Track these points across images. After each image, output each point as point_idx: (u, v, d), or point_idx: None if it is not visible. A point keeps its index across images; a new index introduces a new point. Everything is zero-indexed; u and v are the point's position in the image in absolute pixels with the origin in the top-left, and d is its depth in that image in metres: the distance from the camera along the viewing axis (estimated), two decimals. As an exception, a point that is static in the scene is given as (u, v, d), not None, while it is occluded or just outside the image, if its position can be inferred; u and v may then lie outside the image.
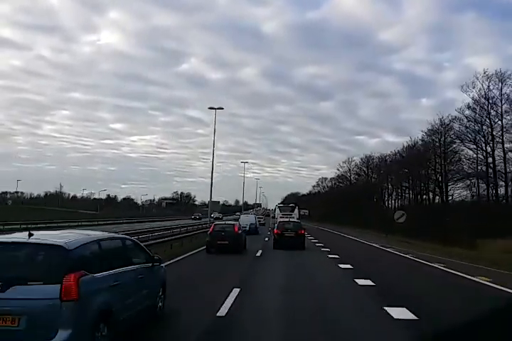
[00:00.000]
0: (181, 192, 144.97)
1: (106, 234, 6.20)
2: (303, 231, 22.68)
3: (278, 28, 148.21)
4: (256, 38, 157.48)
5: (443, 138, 46.79)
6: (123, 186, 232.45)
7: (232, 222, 22.50)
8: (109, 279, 5.23)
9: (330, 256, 18.42)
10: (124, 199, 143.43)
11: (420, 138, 51.72)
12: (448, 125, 45.26)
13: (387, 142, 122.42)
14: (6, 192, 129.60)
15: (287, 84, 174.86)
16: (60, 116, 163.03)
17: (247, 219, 37.84)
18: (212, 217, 62.01)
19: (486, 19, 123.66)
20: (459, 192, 46.05)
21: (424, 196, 54.68)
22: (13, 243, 5.01)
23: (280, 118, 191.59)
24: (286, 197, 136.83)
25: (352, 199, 70.57)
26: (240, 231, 20.68)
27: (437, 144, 47.39)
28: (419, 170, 50.70)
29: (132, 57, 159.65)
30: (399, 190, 65.92)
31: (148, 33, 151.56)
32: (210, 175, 38.91)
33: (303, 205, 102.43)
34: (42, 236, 5.18)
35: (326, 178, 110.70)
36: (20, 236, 5.13)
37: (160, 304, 7.09)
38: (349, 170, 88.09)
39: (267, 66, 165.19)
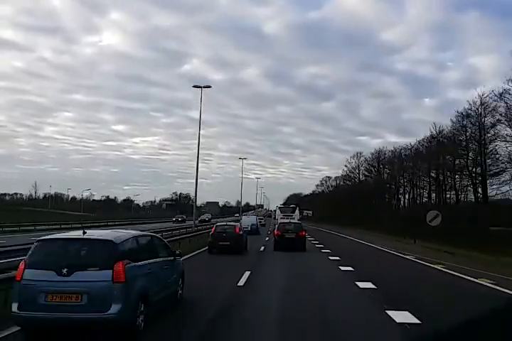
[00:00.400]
0: (180, 193, 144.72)
1: (140, 232, 7.62)
2: (304, 233, 22.44)
3: (279, 28, 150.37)
4: (257, 38, 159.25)
5: (482, 120, 37.90)
6: (125, 187, 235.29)
7: (234, 223, 23.50)
8: (145, 268, 6.62)
9: (343, 268, 14.41)
10: (124, 200, 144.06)
11: (449, 123, 43.92)
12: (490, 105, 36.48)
13: (389, 142, 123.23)
14: (4, 194, 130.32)
15: (289, 85, 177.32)
16: (62, 117, 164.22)
17: (248, 220, 39.88)
18: (200, 220, 57.32)
19: (488, 18, 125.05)
20: (496, 187, 37.21)
21: (449, 193, 47.22)
22: (74, 239, 6.42)
23: (282, 119, 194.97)
24: (288, 198, 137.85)
25: (361, 199, 66.20)
26: (242, 232, 21.49)
27: (473, 130, 39.00)
28: (446, 162, 43.99)
29: (134, 58, 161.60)
30: (417, 188, 58.54)
31: (149, 33, 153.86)
32: (196, 171, 34.55)
33: (306, 206, 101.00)
34: (94, 233, 6.60)
35: (329, 177, 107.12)
36: (77, 234, 6.53)
37: (180, 291, 8.46)
38: (358, 166, 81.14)
39: (268, 66, 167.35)
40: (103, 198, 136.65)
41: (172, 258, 8.17)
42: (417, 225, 31.26)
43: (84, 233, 6.44)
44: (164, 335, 6.40)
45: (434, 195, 52.28)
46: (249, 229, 34.41)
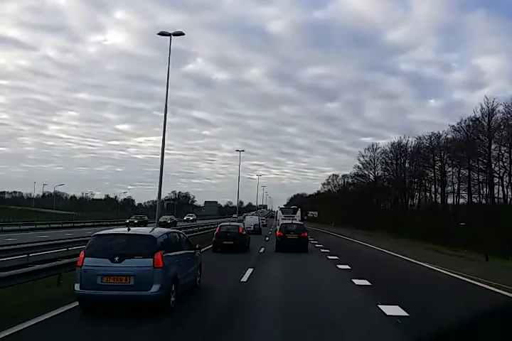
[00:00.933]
0: (179, 192, 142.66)
1: (170, 229, 9.49)
2: (306, 234, 22.41)
3: (284, 27, 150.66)
4: (262, 38, 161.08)
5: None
6: (130, 187, 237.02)
7: (237, 224, 25.07)
8: (175, 257, 8.44)
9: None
10: (124, 199, 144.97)
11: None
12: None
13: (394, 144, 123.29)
14: (3, 192, 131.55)
15: (293, 85, 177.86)
16: (66, 116, 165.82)
17: (251, 220, 42.73)
18: (162, 223, 43.89)
19: (495, 18, 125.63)
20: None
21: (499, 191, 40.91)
22: (122, 234, 8.26)
23: (286, 119, 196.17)
24: (291, 198, 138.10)
25: (378, 197, 59.04)
26: (245, 232, 22.94)
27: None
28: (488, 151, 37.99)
29: (138, 57, 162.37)
30: (449, 184, 51.01)
31: (153, 32, 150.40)
32: (162, 149, 37.55)
33: (310, 206, 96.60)
34: (136, 230, 8.46)
35: (336, 175, 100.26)
36: (123, 230, 8.37)
37: (198, 279, 10.29)
38: (373, 160, 69.93)
39: (273, 66, 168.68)
40: (103, 197, 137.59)
41: (193, 251, 9.98)
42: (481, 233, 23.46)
43: (128, 230, 8.26)
44: (190, 310, 8.19)
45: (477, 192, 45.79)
46: (252, 228, 37.22)
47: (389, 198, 66.67)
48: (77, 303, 8.01)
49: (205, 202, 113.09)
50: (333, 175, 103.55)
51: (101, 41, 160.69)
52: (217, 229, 22.91)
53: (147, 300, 7.54)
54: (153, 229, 8.95)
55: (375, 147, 70.62)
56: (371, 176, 71.93)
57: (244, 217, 52.69)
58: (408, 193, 60.72)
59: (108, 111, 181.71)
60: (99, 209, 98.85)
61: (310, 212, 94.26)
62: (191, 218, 71.91)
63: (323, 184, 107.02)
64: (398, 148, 63.69)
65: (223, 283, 11.21)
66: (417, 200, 62.50)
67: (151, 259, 7.65)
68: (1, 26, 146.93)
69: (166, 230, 9.21)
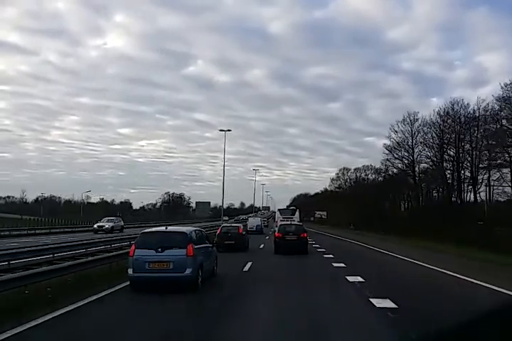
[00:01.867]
0: (172, 193, 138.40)
1: (196, 228, 12.46)
2: (305, 235, 22.58)
3: (285, 27, 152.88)
4: (263, 39, 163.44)
5: None
6: (132, 191, 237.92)
7: (237, 225, 27.96)
8: (201, 249, 11.38)
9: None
10: (121, 202, 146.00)
11: None
12: None
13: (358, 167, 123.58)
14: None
15: (295, 86, 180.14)
16: (68, 121, 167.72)
17: (254, 222, 47.89)
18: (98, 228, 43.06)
19: (497, 15, 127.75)
20: None
21: None
22: (163, 231, 11.19)
23: (288, 120, 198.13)
24: (294, 199, 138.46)
25: (412, 190, 48.11)
26: (244, 233, 25.56)
27: None
28: None
29: (138, 60, 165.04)
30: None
31: (154, 35, 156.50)
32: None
33: (316, 207, 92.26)
34: (172, 228, 11.41)
35: (348, 169, 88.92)
36: (162, 228, 11.30)
37: (215, 268, 13.20)
38: (412, 134, 50.18)
39: (274, 67, 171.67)
40: (98, 201, 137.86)
41: (211, 245, 12.89)
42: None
43: (166, 228, 11.21)
44: (211, 288, 11.19)
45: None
46: (254, 229, 43.21)
47: (436, 189, 50.04)
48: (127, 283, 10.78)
49: (197, 202, 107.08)
50: (344, 168, 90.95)
51: (101, 45, 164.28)
52: (219, 230, 25.48)
53: (182, 280, 10.45)
54: (185, 227, 11.90)
55: (412, 117, 50.67)
56: (405, 161, 53.07)
57: (240, 220, 55.44)
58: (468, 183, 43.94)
59: (110, 115, 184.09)
60: (75, 212, 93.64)
61: (317, 213, 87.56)
62: (107, 226, 45.11)
63: (332, 179, 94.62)
64: (439, 123, 45.97)
65: (231, 272, 14.30)
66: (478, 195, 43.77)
67: (185, 249, 10.53)
68: (0, 31, 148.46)
69: (193, 228, 12.15)
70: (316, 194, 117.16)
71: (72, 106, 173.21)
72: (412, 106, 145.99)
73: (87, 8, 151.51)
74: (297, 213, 46.79)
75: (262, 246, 26.41)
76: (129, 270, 10.68)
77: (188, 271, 10.56)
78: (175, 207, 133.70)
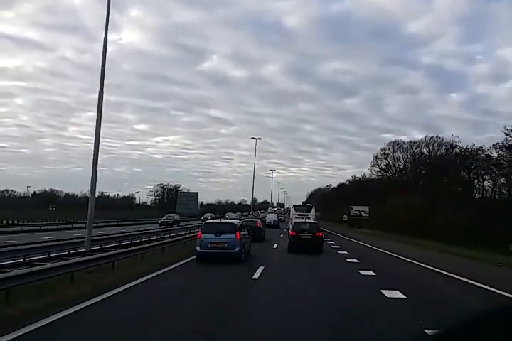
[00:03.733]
0: (165, 184, 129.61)
1: (239, 221, 18.30)
2: (320, 234, 22.86)
3: (301, 21, 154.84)
4: (278, 33, 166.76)
5: None
6: (148, 187, 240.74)
7: (255, 219, 34.83)
8: (243, 235, 17.14)
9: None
10: (123, 197, 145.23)
11: None
12: None
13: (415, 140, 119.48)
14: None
15: (311, 81, 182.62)
16: (84, 117, 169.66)
17: (271, 217, 56.10)
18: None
19: None
20: None
21: None
22: (219, 222, 17.03)
23: (303, 116, 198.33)
24: (311, 194, 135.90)
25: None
26: (261, 226, 31.70)
27: None
28: None
29: (154, 55, 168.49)
30: None
31: (169, 30, 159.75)
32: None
33: (352, 201, 66.65)
34: (225, 219, 17.27)
35: (399, 142, 67.65)
36: (217, 220, 17.13)
37: (250, 249, 19.01)
38: None
39: (289, 62, 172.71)
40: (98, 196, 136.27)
41: (248, 234, 18.53)
42: None
43: (220, 220, 16.99)
44: (250, 259, 17.07)
45: None
46: (272, 223, 51.18)
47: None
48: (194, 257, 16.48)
49: (179, 194, 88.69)
50: (395, 142, 68.51)
51: (117, 40, 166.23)
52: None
53: (233, 255, 16.35)
54: (234, 220, 17.64)
55: None
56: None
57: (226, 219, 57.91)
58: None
59: (125, 111, 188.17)
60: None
61: (355, 208, 60.65)
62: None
63: (377, 157, 72.02)
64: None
65: (261, 251, 20.16)
66: None
67: (234, 234, 16.16)
68: (18, 27, 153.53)
69: (238, 221, 17.80)
70: (341, 185, 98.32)
71: (88, 102, 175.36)
72: (431, 102, 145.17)
73: (102, 2, 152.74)
74: (313, 210, 45.89)
75: (281, 235, 32.30)
76: (196, 247, 16.51)
77: (237, 249, 16.37)
78: (169, 199, 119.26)
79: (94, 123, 17.08)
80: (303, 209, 45.88)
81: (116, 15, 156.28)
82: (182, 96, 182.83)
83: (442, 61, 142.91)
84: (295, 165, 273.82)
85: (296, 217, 38.52)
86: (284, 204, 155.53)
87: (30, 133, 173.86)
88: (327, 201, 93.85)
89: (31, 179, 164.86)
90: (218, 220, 18.82)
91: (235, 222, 18.26)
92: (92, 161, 17.25)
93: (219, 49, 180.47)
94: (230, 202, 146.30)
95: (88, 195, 18.61)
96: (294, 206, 48.92)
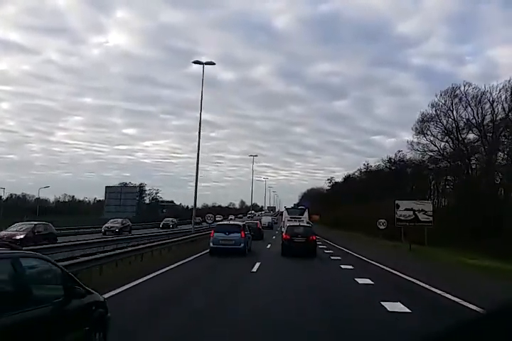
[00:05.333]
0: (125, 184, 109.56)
1: (243, 222, 23.61)
2: (314, 237, 23.46)
3: (290, 22, 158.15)
4: (267, 35, 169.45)
5: None
6: None
7: (255, 221, 42.05)
8: (246, 234, 22.59)
9: None
10: (98, 201, 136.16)
11: None
12: None
13: (404, 142, 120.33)
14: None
15: (301, 83, 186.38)
16: (72, 122, 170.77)
17: (266, 219, 62.14)
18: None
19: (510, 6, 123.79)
20: None
21: None
22: (229, 224, 22.73)
23: (294, 119, 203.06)
24: (304, 194, 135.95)
25: None
26: (260, 227, 38.67)
27: None
28: None
29: (141, 58, 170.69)
30: None
31: (156, 32, 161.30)
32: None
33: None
34: (231, 221, 22.65)
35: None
36: (227, 222, 22.47)
37: (250, 246, 24.67)
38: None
39: (279, 64, 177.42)
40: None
41: (249, 232, 23.68)
42: None
43: (229, 221, 22.24)
44: (251, 254, 22.74)
45: None
46: (266, 225, 56.91)
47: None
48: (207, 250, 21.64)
49: (108, 189, 74.43)
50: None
51: (103, 43, 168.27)
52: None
53: (239, 250, 22.13)
54: (239, 221, 22.85)
55: None
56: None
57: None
58: None
59: (114, 115, 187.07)
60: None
61: (405, 206, 34.27)
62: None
63: (364, 167, 69.45)
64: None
65: (258, 249, 25.91)
66: None
67: (240, 233, 21.37)
68: (1, 30, 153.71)
69: (242, 223, 22.91)
70: (348, 178, 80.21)
71: (75, 106, 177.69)
72: (421, 103, 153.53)
73: (88, 3, 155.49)
74: (306, 213, 45.76)
75: (273, 237, 38.03)
76: (210, 243, 21.65)
77: (242, 245, 21.81)
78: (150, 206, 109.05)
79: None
80: (296, 211, 45.65)
81: (102, 16, 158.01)
82: (171, 100, 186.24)
83: (432, 62, 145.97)
84: (286, 168, 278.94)
85: (289, 220, 38.47)
86: (274, 208, 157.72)
87: (16, 138, 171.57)
88: (327, 201, 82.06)
89: (20, 185, 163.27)
90: (227, 222, 23.59)
91: (240, 223, 24.09)
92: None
93: (208, 51, 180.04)
94: (217, 205, 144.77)
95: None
96: (287, 208, 48.22)
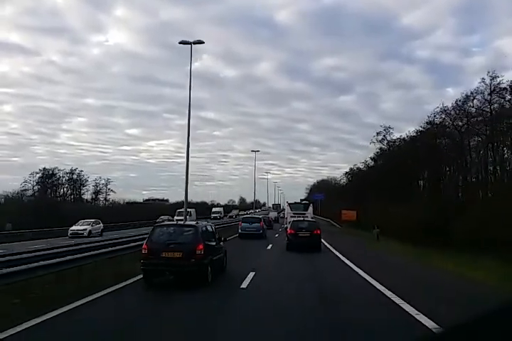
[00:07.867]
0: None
1: (261, 216, 35.05)
2: (319, 231, 23.70)
3: (292, 16, 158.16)
4: (270, 30, 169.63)
5: None
6: (144, 192, 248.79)
7: (268, 215, 55.74)
8: (264, 223, 33.01)
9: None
10: (87, 201, 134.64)
11: None
12: None
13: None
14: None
15: (305, 79, 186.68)
16: (76, 123, 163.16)
17: (273, 214, 75.78)
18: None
19: None
20: None
21: None
22: (252, 216, 33.64)
23: (298, 115, 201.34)
24: (313, 185, 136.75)
25: None
26: (271, 220, 52.24)
27: None
28: None
29: (141, 56, 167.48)
30: None
31: (156, 30, 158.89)
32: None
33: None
34: (254, 215, 34.12)
35: (403, 139, 56.94)
36: (250, 215, 33.83)
37: (265, 233, 34.96)
38: None
39: (282, 60, 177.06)
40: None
41: (265, 223, 34.65)
42: None
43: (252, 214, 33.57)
44: (268, 238, 33.95)
45: None
46: (273, 219, 69.81)
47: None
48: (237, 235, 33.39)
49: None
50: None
51: (103, 42, 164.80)
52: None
53: (260, 235, 35.43)
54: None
55: None
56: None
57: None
58: None
59: (117, 115, 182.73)
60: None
61: None
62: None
63: (373, 156, 64.45)
64: None
65: (269, 236, 37.26)
66: None
67: (259, 223, 33.72)
68: (0, 31, 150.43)
69: (260, 217, 33.99)
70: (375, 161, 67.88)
71: (78, 107, 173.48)
72: (426, 97, 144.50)
73: (87, 2, 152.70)
74: (310, 208, 44.69)
75: (280, 229, 49.47)
76: (239, 230, 33.19)
77: (261, 231, 34.21)
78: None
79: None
80: (299, 207, 44.02)
81: (101, 15, 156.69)
82: (173, 99, 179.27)
83: (438, 54, 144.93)
84: (291, 166, 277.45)
85: (292, 216, 37.76)
86: (279, 205, 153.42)
87: (21, 141, 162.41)
88: (345, 196, 71.47)
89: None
90: (251, 215, 34.77)
91: (260, 216, 34.60)
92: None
93: (209, 48, 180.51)
94: (216, 203, 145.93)
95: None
96: (289, 204, 45.79)
